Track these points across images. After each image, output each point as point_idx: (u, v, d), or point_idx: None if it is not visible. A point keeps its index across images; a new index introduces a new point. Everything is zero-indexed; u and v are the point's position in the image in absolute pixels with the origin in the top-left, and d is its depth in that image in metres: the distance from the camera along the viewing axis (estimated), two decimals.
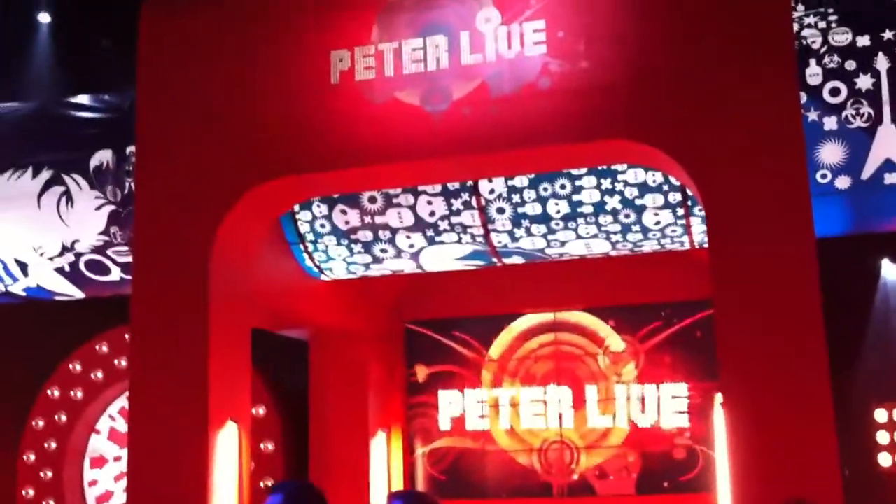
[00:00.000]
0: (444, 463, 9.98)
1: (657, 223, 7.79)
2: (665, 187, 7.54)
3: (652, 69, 6.15)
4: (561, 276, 9.32)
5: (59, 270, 8.84)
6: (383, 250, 8.40)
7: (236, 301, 7.05)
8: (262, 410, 9.57)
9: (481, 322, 9.96)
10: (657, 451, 9.47)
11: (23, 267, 8.90)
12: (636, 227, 7.86)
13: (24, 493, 10.25)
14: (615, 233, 7.96)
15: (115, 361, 10.21)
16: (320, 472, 9.32)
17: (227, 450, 6.71)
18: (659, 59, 6.16)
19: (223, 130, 6.91)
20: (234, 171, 6.87)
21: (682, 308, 9.41)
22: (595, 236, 8.00)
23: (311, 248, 8.53)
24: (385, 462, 9.69)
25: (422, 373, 10.12)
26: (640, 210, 7.68)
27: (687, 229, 7.86)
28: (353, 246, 8.43)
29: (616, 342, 9.67)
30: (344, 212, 8.17)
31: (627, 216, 7.74)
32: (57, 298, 9.37)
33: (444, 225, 8.03)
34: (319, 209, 8.23)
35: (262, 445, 9.51)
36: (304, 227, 8.39)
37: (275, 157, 6.81)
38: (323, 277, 8.97)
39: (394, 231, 8.19)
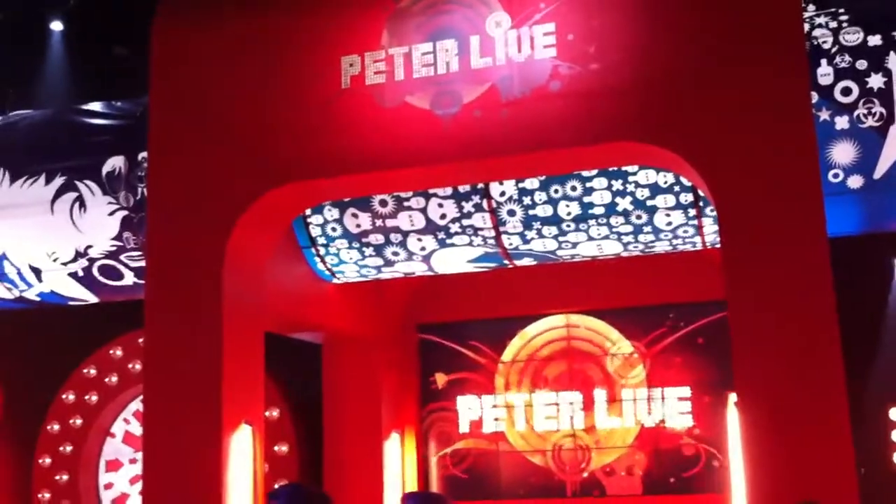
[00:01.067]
0: (465, 464, 10.01)
1: (669, 224, 7.78)
2: (676, 188, 7.53)
3: (662, 70, 6.14)
4: (572, 277, 9.32)
5: (73, 276, 8.89)
6: (395, 253, 8.42)
7: (249, 305, 7.08)
8: (276, 413, 9.61)
9: (494, 325, 9.97)
10: (664, 452, 9.48)
11: (37, 272, 8.95)
12: (648, 228, 7.85)
13: (39, 496, 10.32)
14: (627, 234, 7.96)
15: (130, 365, 10.28)
16: (334, 474, 9.35)
17: (242, 452, 6.74)
18: (669, 61, 6.15)
19: (234, 136, 6.93)
20: (246, 177, 6.89)
21: (690, 311, 9.41)
22: (606, 238, 8.00)
23: (322, 251, 8.55)
24: (399, 463, 9.72)
25: (441, 380, 10.16)
26: (652, 211, 7.68)
27: (699, 230, 7.85)
28: (364, 249, 8.45)
29: (625, 346, 9.68)
30: (355, 215, 8.19)
31: (639, 217, 7.74)
32: (71, 304, 9.43)
33: (455, 227, 8.04)
34: (331, 213, 8.25)
35: (276, 448, 9.55)
36: (315, 231, 8.41)
37: (286, 162, 6.83)
38: (335, 281, 8.99)
39: (405, 234, 8.20)
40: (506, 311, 9.86)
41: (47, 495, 10.31)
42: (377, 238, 8.30)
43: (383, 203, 8.06)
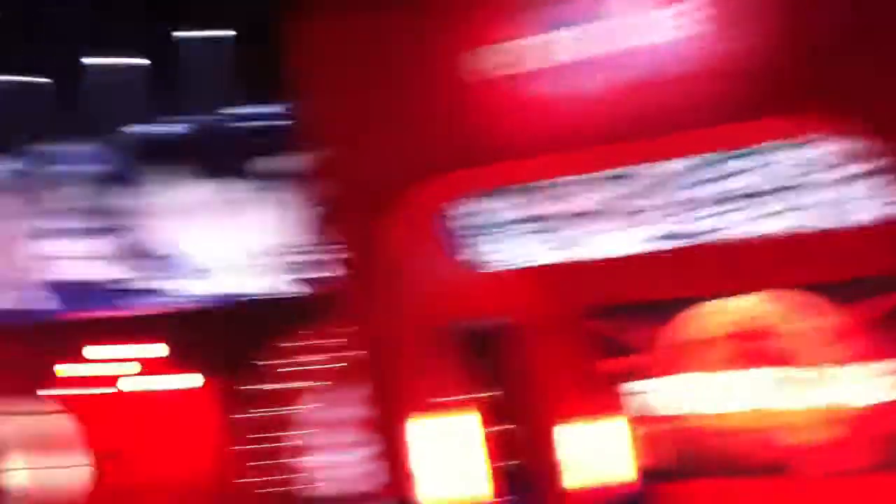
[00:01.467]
0: (661, 446, 9.81)
1: (848, 196, 7.25)
2: (855, 160, 7.01)
3: (828, 39, 5.71)
4: (750, 255, 8.85)
5: (245, 273, 9.25)
6: (558, 238, 8.29)
7: (425, 297, 7.23)
8: (483, 397, 9.65)
9: (671, 306, 9.65)
10: (873, 428, 8.92)
11: (210, 271, 9.37)
12: (828, 201, 7.36)
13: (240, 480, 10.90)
14: (806, 208, 7.49)
15: (315, 356, 10.63)
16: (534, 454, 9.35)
17: (464, 435, 6.94)
18: (836, 26, 5.70)
19: (387, 131, 7.05)
20: (403, 169, 7.00)
21: (887, 284, 8.75)
22: (782, 213, 7.57)
23: (487, 239, 8.54)
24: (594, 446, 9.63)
25: (621, 364, 9.95)
26: (830, 184, 7.18)
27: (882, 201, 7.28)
28: (528, 235, 8.37)
29: (815, 322, 9.12)
30: (516, 202, 8.12)
31: (815, 191, 7.25)
32: (247, 299, 9.80)
33: (616, 210, 7.82)
34: (492, 201, 8.21)
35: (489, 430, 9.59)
36: (477, 220, 8.41)
37: (440, 153, 6.88)
38: (503, 269, 8.97)
39: (567, 218, 8.05)
40: (683, 293, 9.51)
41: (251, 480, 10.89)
42: (540, 224, 8.21)
43: (543, 189, 7.94)
